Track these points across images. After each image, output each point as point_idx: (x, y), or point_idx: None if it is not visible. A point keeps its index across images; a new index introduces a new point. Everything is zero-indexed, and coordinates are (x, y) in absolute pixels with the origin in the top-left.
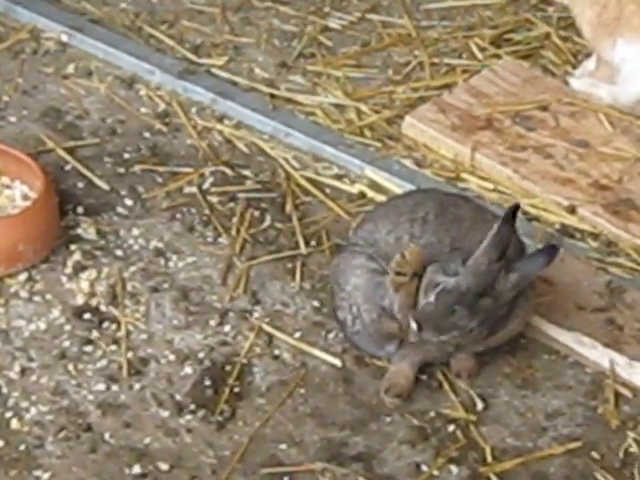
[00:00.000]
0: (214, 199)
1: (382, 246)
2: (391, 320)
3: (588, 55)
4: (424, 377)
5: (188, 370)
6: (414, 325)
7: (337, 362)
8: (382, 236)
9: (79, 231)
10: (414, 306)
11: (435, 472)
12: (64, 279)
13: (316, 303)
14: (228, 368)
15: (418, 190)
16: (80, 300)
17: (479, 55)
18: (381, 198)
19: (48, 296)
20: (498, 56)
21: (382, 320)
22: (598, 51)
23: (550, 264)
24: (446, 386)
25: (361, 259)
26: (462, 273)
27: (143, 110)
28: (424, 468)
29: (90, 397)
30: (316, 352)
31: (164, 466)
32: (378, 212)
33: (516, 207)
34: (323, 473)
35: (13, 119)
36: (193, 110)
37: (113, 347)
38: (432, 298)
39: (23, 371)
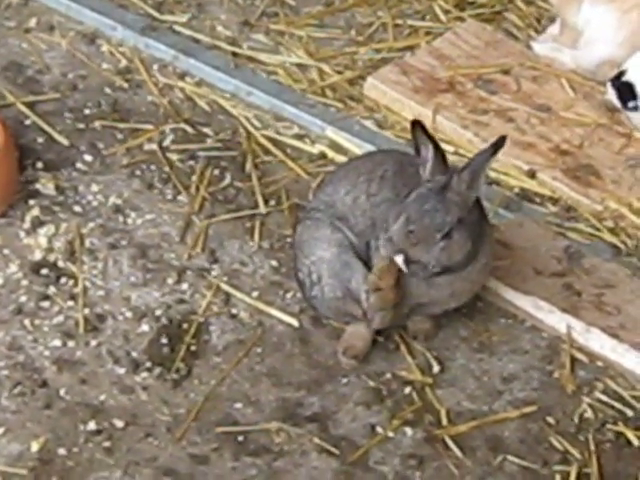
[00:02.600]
0: (174, 157)
1: (340, 207)
2: (356, 304)
3: (552, 20)
4: (381, 339)
5: (145, 327)
6: (400, 260)
7: (294, 322)
8: (340, 197)
9: (38, 186)
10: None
11: (390, 434)
12: (22, 234)
13: (274, 263)
14: (185, 326)
15: (377, 151)
16: (38, 255)
17: (442, 17)
18: (342, 159)
19: (5, 251)
20: (461, 19)
21: (347, 301)
22: (563, 15)
23: (496, 153)
24: (403, 348)
25: (326, 230)
26: (418, 188)
27: (104, 66)
28: (379, 430)
29: (46, 353)
30: (273, 312)
31: (119, 423)
32: (337, 174)
33: (416, 122)
34: (278, 433)
35: None
36: (155, 67)
37: (70, 303)
38: (402, 217)
39: None
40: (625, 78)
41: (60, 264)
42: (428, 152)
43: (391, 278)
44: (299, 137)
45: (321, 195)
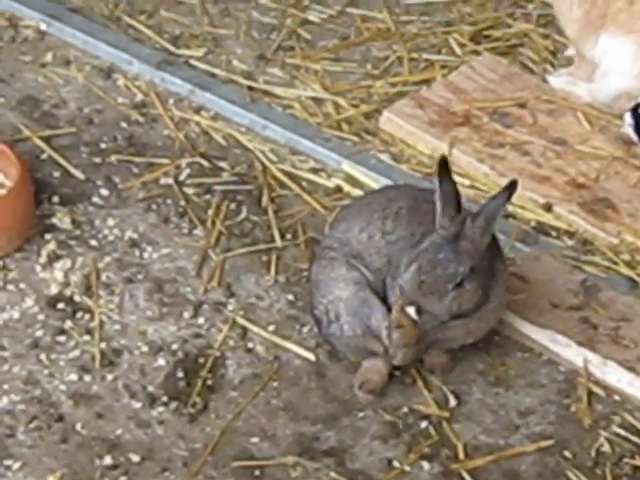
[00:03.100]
0: (190, 191)
1: (355, 245)
2: (376, 341)
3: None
4: (397, 373)
5: (161, 362)
6: (412, 312)
7: (311, 356)
8: (354, 235)
9: (54, 220)
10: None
11: (407, 468)
12: (38, 268)
13: (291, 297)
14: (201, 360)
15: (390, 186)
16: (54, 290)
17: (458, 51)
18: (357, 192)
19: (22, 285)
20: (477, 52)
21: (367, 338)
22: (580, 48)
23: (510, 199)
24: (419, 382)
25: (342, 269)
26: (431, 236)
27: (120, 100)
28: (396, 464)
29: (62, 387)
30: (290, 346)
31: (135, 458)
32: (351, 211)
33: (443, 159)
34: (295, 467)
35: None
36: (170, 101)
37: (86, 337)
38: (414, 267)
39: None
40: None
41: (76, 298)
42: (442, 191)
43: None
44: (315, 171)
45: (335, 232)
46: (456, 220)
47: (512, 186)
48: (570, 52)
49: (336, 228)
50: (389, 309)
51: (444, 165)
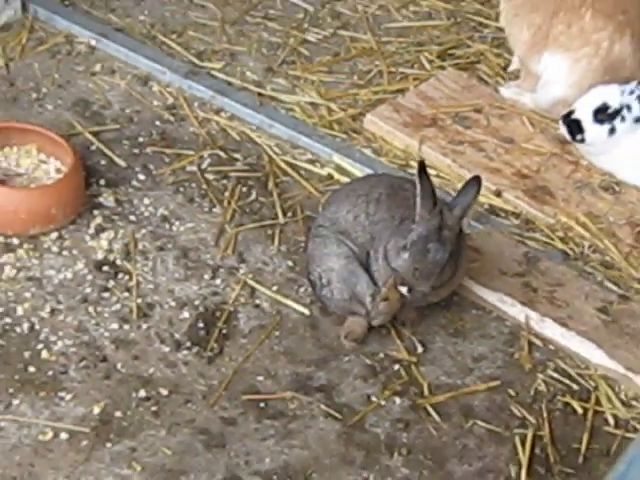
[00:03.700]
0: (210, 177)
1: (342, 223)
2: (360, 305)
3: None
4: (376, 326)
5: (185, 314)
6: (404, 290)
7: (306, 311)
8: (343, 215)
9: (101, 199)
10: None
11: (382, 402)
12: (87, 238)
13: (290, 263)
14: (218, 314)
15: (371, 175)
16: (100, 255)
17: (427, 66)
18: (345, 179)
19: (74, 251)
20: (443, 67)
21: (352, 302)
22: (527, 64)
23: (479, 192)
24: (393, 333)
25: (333, 246)
26: (416, 227)
27: (155, 103)
28: (374, 399)
29: (106, 334)
30: (289, 302)
31: (164, 391)
32: (339, 195)
33: (421, 163)
34: (292, 401)
35: (50, 107)
36: (196, 104)
37: (125, 294)
38: (406, 254)
39: (52, 312)
40: (574, 116)
41: (118, 262)
42: (422, 189)
43: (397, 292)
44: (311, 162)
45: (326, 213)
46: (434, 212)
47: (479, 180)
48: (513, 67)
49: (327, 209)
50: (371, 277)
51: (423, 167)
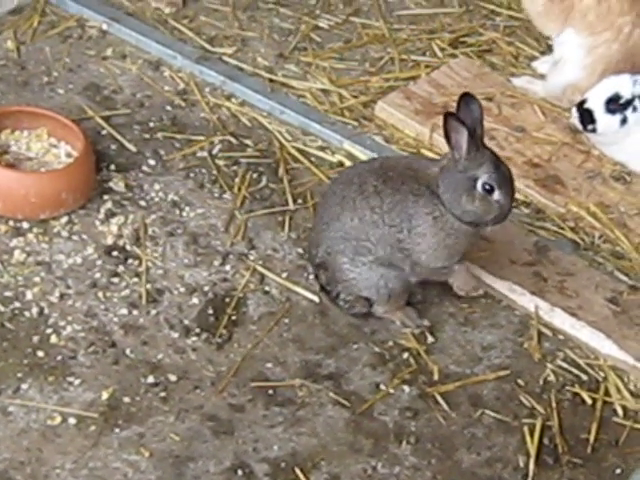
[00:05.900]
0: (221, 162)
1: (353, 233)
2: (363, 304)
3: (531, 58)
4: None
5: (195, 300)
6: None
7: (315, 298)
8: (349, 224)
9: (111, 184)
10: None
11: (391, 390)
12: (97, 223)
13: (300, 250)
14: (227, 300)
15: (343, 175)
16: (110, 240)
17: (439, 54)
18: None
19: (84, 236)
20: (454, 55)
21: (357, 300)
22: (544, 29)
23: (481, 106)
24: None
25: (345, 258)
26: (482, 167)
27: (166, 88)
28: (382, 387)
29: (115, 319)
30: (299, 289)
31: (173, 377)
32: (332, 211)
33: (447, 113)
34: (301, 388)
35: (61, 91)
36: (207, 89)
37: (135, 279)
38: (500, 191)
39: (62, 296)
40: (586, 106)
41: (128, 248)
42: (461, 136)
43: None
44: (322, 148)
45: (331, 233)
46: (477, 145)
47: (471, 95)
48: (536, 64)
49: (332, 227)
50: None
51: (452, 115)
